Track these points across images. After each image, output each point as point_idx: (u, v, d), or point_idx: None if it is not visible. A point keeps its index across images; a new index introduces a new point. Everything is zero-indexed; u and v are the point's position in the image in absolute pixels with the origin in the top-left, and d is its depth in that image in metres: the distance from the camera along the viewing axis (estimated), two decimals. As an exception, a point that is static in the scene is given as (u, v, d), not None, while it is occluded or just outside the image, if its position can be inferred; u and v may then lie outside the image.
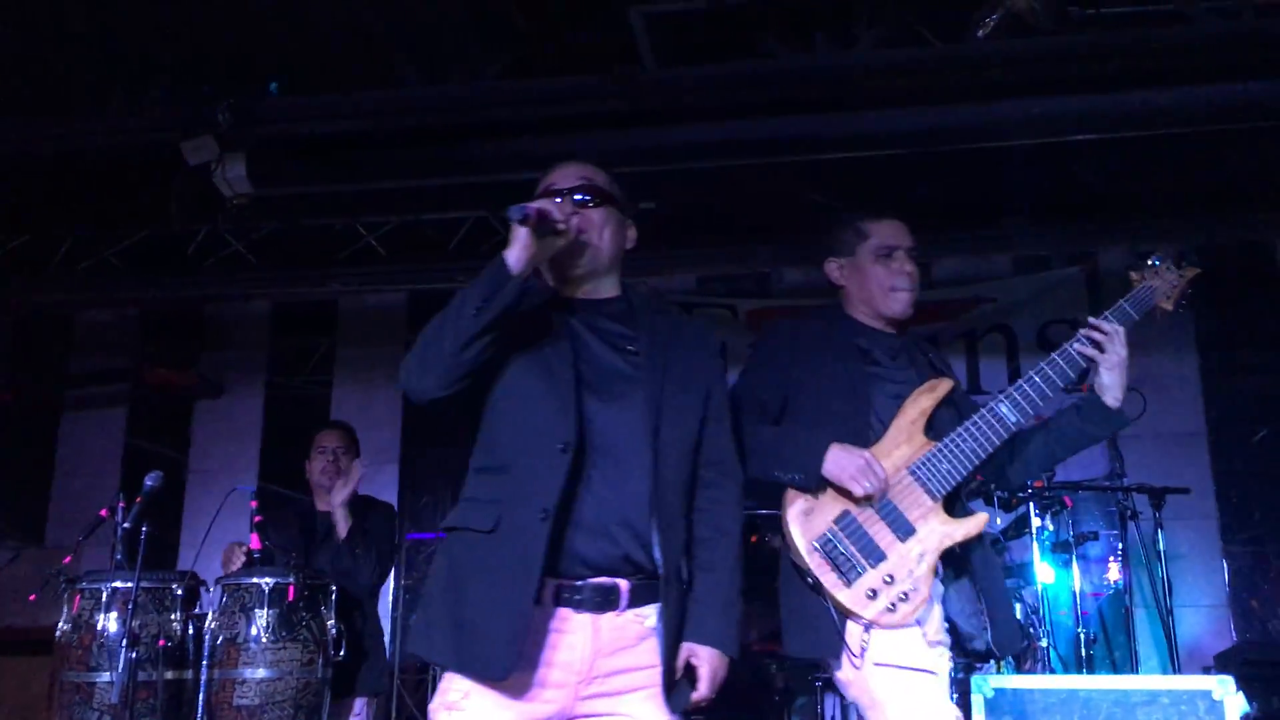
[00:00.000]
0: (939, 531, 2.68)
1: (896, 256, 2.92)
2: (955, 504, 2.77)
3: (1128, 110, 4.66)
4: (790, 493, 2.72)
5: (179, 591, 3.95)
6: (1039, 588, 5.22)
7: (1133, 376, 2.81)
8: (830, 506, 2.67)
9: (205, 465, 7.27)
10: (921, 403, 2.78)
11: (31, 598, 4.21)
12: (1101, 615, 5.90)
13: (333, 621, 3.96)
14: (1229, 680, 3.36)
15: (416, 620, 2.36)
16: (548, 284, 2.46)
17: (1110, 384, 2.79)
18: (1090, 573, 5.91)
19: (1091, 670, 5.24)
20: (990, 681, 3.31)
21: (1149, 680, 3.51)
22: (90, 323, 7.75)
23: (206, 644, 3.86)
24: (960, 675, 3.53)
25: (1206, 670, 5.25)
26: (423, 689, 6.50)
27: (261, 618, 3.80)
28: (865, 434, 2.74)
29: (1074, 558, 5.36)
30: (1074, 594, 5.34)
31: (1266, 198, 5.73)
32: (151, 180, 5.58)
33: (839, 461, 2.63)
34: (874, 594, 2.58)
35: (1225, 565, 6.24)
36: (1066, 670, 5.23)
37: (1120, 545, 5.69)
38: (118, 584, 3.86)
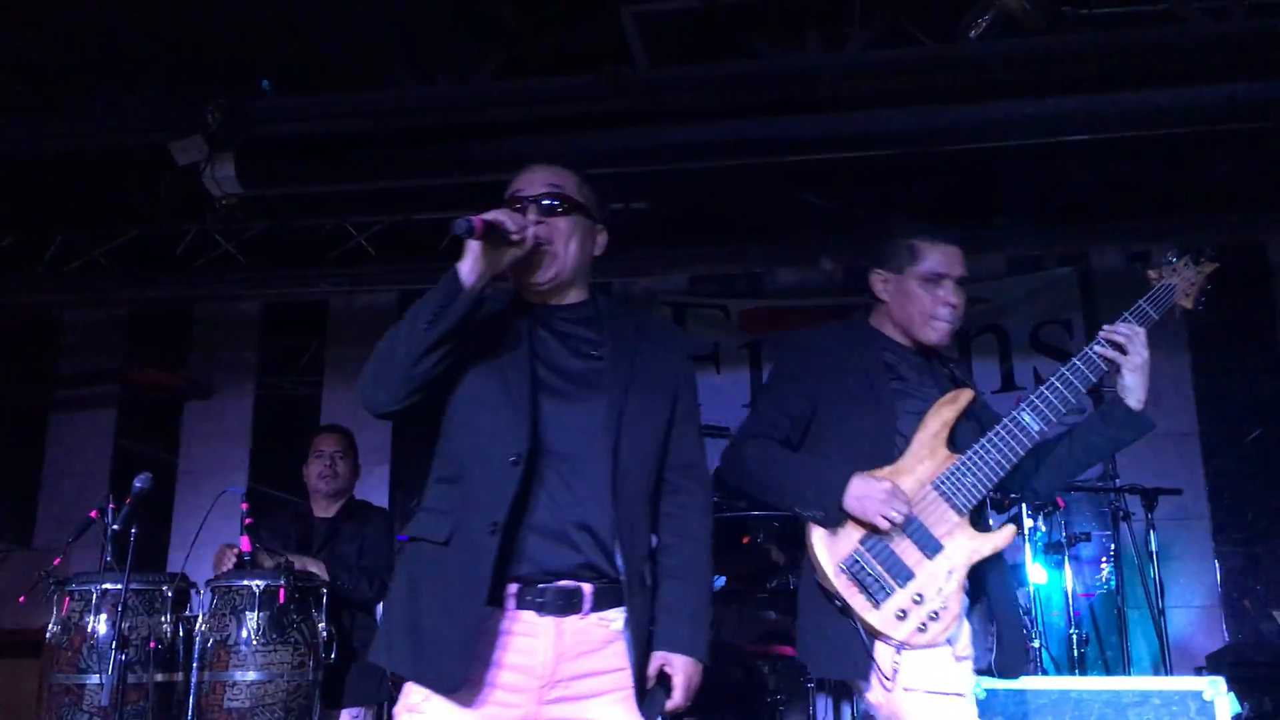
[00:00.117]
0: (967, 547, 2.64)
1: (944, 285, 2.84)
2: (980, 517, 2.74)
3: (1120, 111, 4.66)
4: None
5: (169, 593, 3.94)
6: (1031, 589, 5.22)
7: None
8: (855, 527, 2.63)
9: (195, 466, 7.24)
10: (943, 415, 2.74)
11: (21, 600, 4.19)
12: (1094, 616, 5.90)
13: (324, 624, 3.95)
14: (1220, 681, 3.37)
15: (379, 628, 2.35)
16: (511, 289, 2.43)
17: (1133, 386, 2.73)
18: (1082, 573, 5.90)
19: (1083, 671, 5.24)
20: (982, 682, 3.30)
21: (1140, 681, 3.52)
22: (79, 323, 7.71)
23: (197, 646, 3.86)
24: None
25: (1198, 671, 5.25)
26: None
27: (252, 620, 3.79)
28: (890, 451, 2.71)
29: (1066, 558, 5.35)
30: (1066, 595, 5.34)
31: (1259, 198, 5.73)
32: (140, 180, 5.57)
33: (860, 498, 2.59)
34: (904, 614, 2.55)
35: (1217, 566, 6.25)
36: (1059, 671, 5.23)
37: (1112, 546, 5.69)
38: (107, 586, 3.86)
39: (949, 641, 2.58)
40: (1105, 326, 2.79)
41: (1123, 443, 2.83)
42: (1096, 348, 2.76)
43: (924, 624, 2.54)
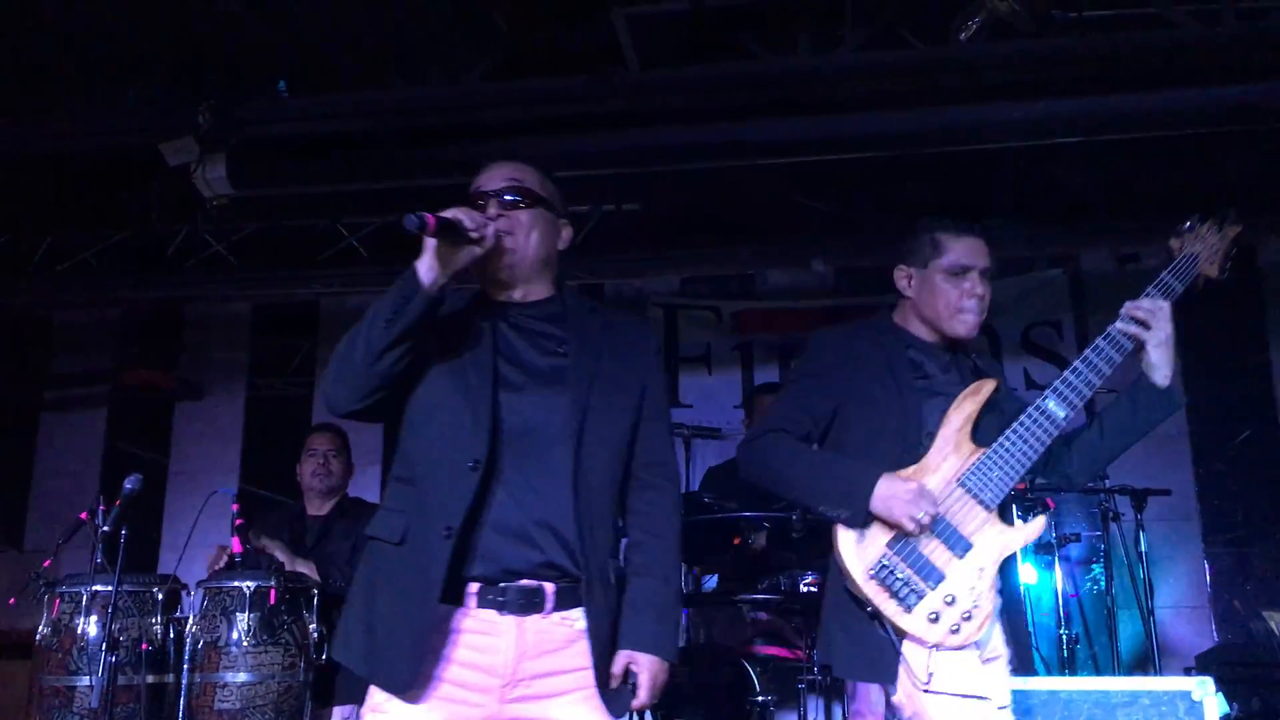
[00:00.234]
0: (997, 542, 2.59)
1: (969, 277, 2.79)
2: (1009, 510, 2.72)
3: (1109, 113, 4.68)
4: None
5: (160, 595, 3.94)
6: (1022, 589, 5.23)
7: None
8: (882, 531, 2.59)
9: (186, 467, 7.23)
10: (966, 408, 2.68)
11: (11, 601, 4.19)
12: (1083, 616, 5.92)
13: (314, 625, 3.94)
14: (1208, 681, 3.37)
15: (339, 624, 2.36)
16: (477, 290, 2.43)
17: (1158, 362, 2.67)
18: (1072, 574, 5.92)
19: (1073, 671, 5.25)
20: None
21: (1129, 681, 3.53)
22: (70, 323, 7.70)
23: (187, 647, 3.85)
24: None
25: (1188, 671, 5.27)
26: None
27: (243, 621, 3.78)
28: (916, 450, 2.66)
29: (1056, 559, 5.38)
30: (1056, 595, 5.36)
31: (1247, 200, 5.75)
32: (132, 181, 5.56)
33: (886, 499, 2.54)
34: (936, 617, 2.50)
35: (1206, 566, 6.27)
36: (1048, 671, 5.25)
37: (1102, 546, 5.69)
38: (98, 587, 3.85)
39: (977, 645, 2.55)
40: (1128, 303, 2.70)
41: (1155, 422, 2.77)
42: (1120, 325, 2.68)
43: (957, 625, 2.50)
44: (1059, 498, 5.62)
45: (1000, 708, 2.56)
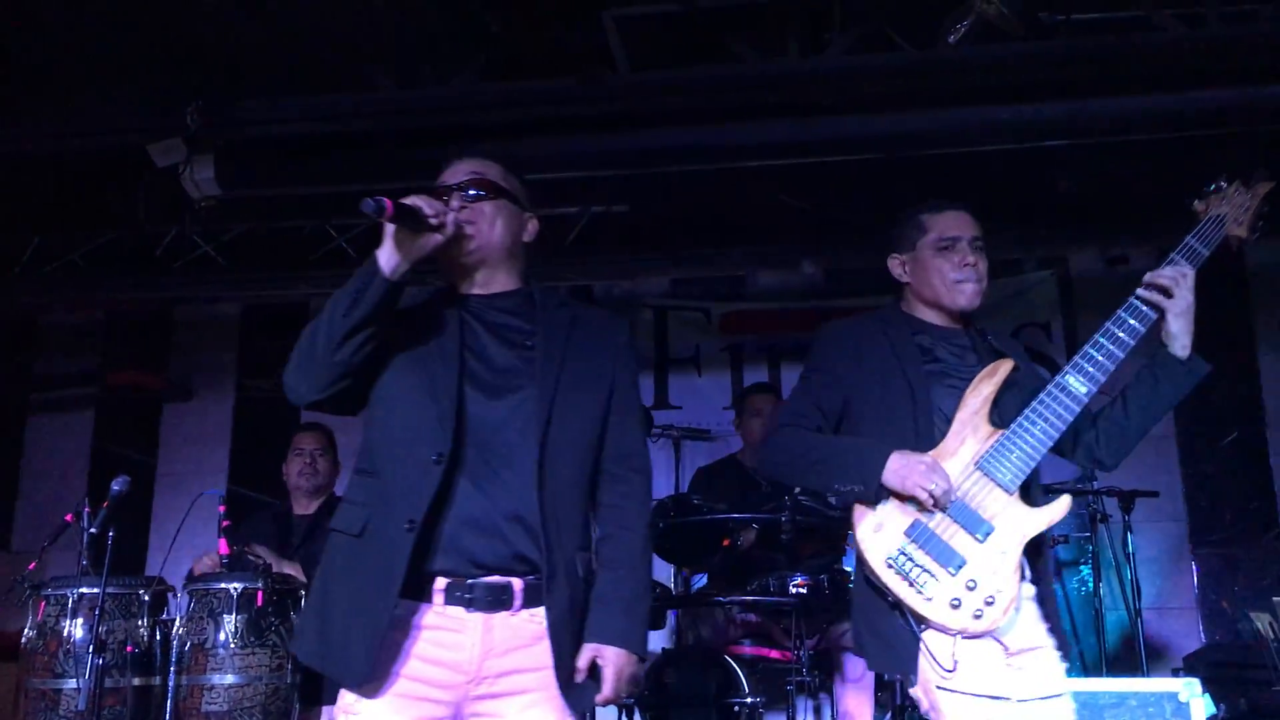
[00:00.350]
0: (1019, 525, 2.51)
1: (958, 248, 2.78)
2: (1032, 491, 2.62)
3: (1097, 115, 4.70)
4: (858, 509, 2.59)
5: (146, 597, 3.93)
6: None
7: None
8: (900, 518, 2.54)
9: (174, 469, 7.19)
10: (982, 390, 2.62)
11: (-4, 604, 4.16)
12: (1071, 617, 5.93)
13: (302, 627, 3.93)
14: (1195, 683, 3.40)
15: (299, 619, 2.35)
16: (445, 285, 2.43)
17: (1177, 332, 2.62)
18: (1060, 575, 5.94)
19: (1061, 672, 5.26)
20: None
21: (1117, 683, 3.55)
22: (57, 325, 7.65)
23: (174, 650, 3.84)
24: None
25: (1175, 672, 5.29)
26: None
27: (230, 623, 3.77)
28: (930, 435, 2.61)
29: (1044, 560, 5.38)
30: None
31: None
32: (119, 182, 5.54)
33: (899, 470, 2.50)
34: (958, 603, 2.44)
35: (1194, 567, 6.28)
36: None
37: (1090, 548, 5.72)
38: (84, 590, 3.84)
39: (998, 640, 2.48)
40: (1150, 273, 2.63)
41: (1178, 395, 2.70)
42: (1141, 293, 2.62)
43: (980, 611, 2.43)
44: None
45: (1046, 697, 2.47)
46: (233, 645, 3.75)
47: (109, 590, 3.77)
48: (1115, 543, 5.24)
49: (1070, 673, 5.24)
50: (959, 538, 2.49)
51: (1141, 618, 5.12)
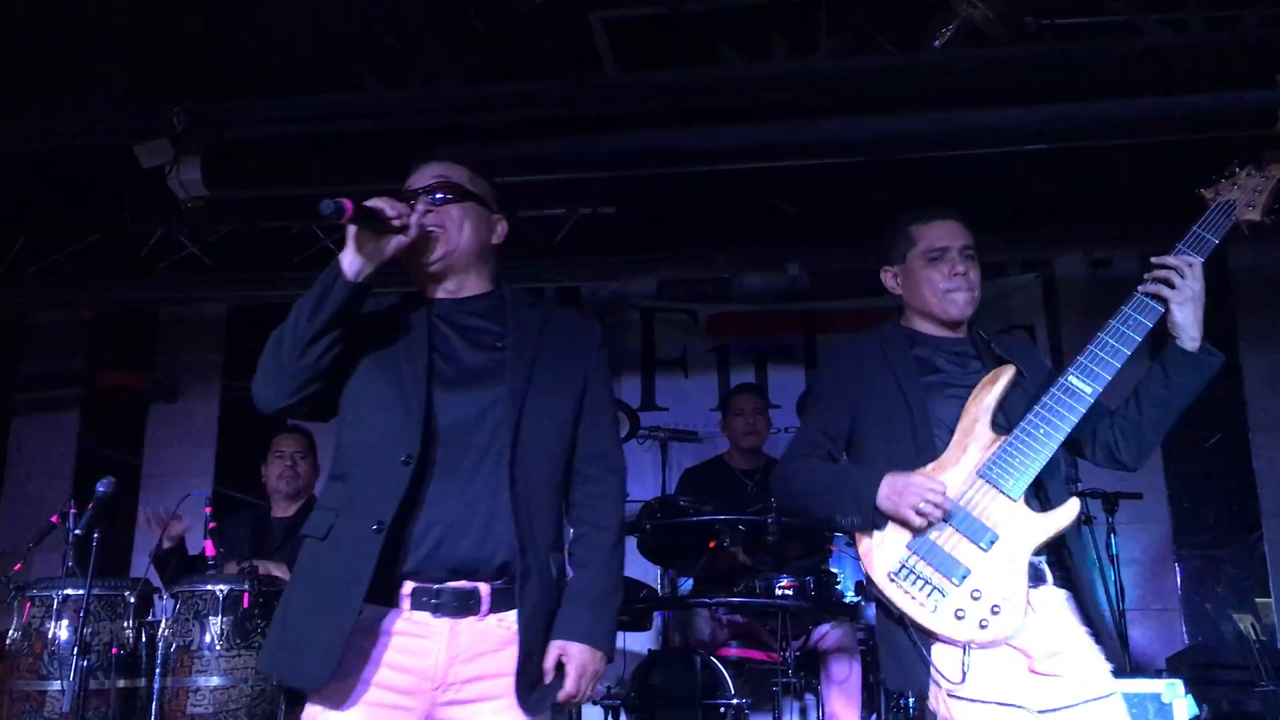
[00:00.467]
0: (1025, 532, 2.45)
1: (948, 257, 2.75)
2: (1042, 496, 2.56)
3: (1082, 119, 4.71)
4: None
5: (132, 599, 3.92)
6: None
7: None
8: (902, 531, 2.50)
9: (160, 469, 7.17)
10: (983, 398, 2.59)
11: (-20, 604, 4.14)
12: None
13: (288, 629, 3.92)
14: (1177, 684, 3.41)
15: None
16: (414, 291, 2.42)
17: (1184, 323, 2.55)
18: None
19: (1046, 673, 5.27)
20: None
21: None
22: (42, 325, 7.63)
23: (160, 652, 3.83)
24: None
25: (1158, 673, 5.32)
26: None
27: (215, 625, 3.77)
28: (931, 448, 2.57)
29: (1029, 562, 5.39)
30: (1029, 598, 5.38)
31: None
32: (105, 182, 5.52)
33: (889, 495, 2.48)
34: (962, 614, 2.39)
35: (1177, 569, 6.32)
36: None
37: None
38: (69, 591, 3.83)
39: (1015, 646, 2.43)
40: (1154, 259, 2.57)
41: (1192, 389, 2.62)
42: (1144, 286, 2.56)
43: (985, 620, 2.38)
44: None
45: (1096, 699, 2.41)
46: (218, 647, 3.74)
47: (94, 592, 3.76)
48: (1099, 544, 5.25)
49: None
50: (962, 547, 2.45)
51: (1125, 619, 5.14)
